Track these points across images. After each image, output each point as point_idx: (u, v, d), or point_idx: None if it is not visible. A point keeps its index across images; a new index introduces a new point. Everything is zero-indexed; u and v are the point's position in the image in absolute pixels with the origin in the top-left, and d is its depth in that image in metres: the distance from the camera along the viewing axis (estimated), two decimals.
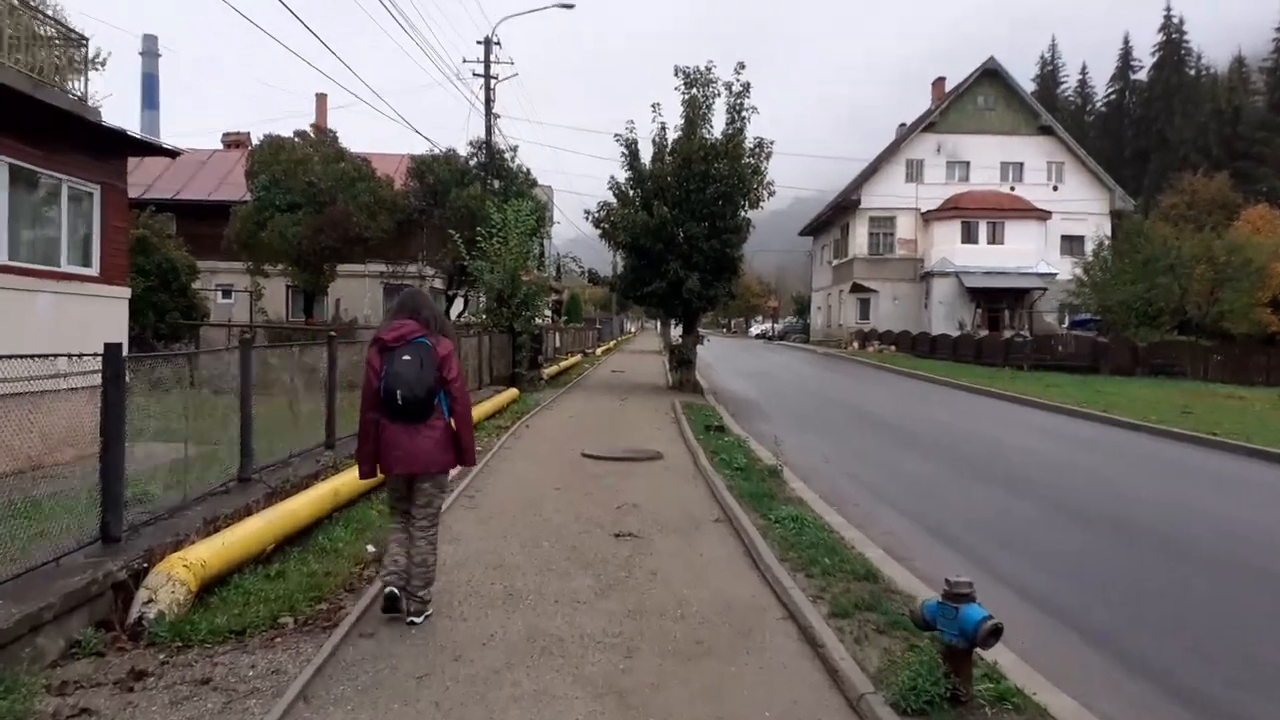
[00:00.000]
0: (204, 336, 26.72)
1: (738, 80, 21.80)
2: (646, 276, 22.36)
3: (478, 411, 14.09)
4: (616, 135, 22.62)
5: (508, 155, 28.05)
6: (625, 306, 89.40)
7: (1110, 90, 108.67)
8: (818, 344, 59.69)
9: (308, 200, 25.50)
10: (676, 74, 22.22)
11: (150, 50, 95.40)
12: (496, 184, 26.49)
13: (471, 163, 27.64)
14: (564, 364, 29.51)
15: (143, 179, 33.46)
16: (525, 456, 11.51)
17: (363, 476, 5.52)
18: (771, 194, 22.66)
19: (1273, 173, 74.89)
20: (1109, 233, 53.37)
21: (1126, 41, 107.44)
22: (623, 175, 22.92)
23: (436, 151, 27.57)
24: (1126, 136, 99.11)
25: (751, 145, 21.89)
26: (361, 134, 35.20)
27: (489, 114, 26.28)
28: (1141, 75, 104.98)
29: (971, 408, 21.93)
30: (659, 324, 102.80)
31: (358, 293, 31.98)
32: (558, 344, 33.13)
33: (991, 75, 53.74)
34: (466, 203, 25.15)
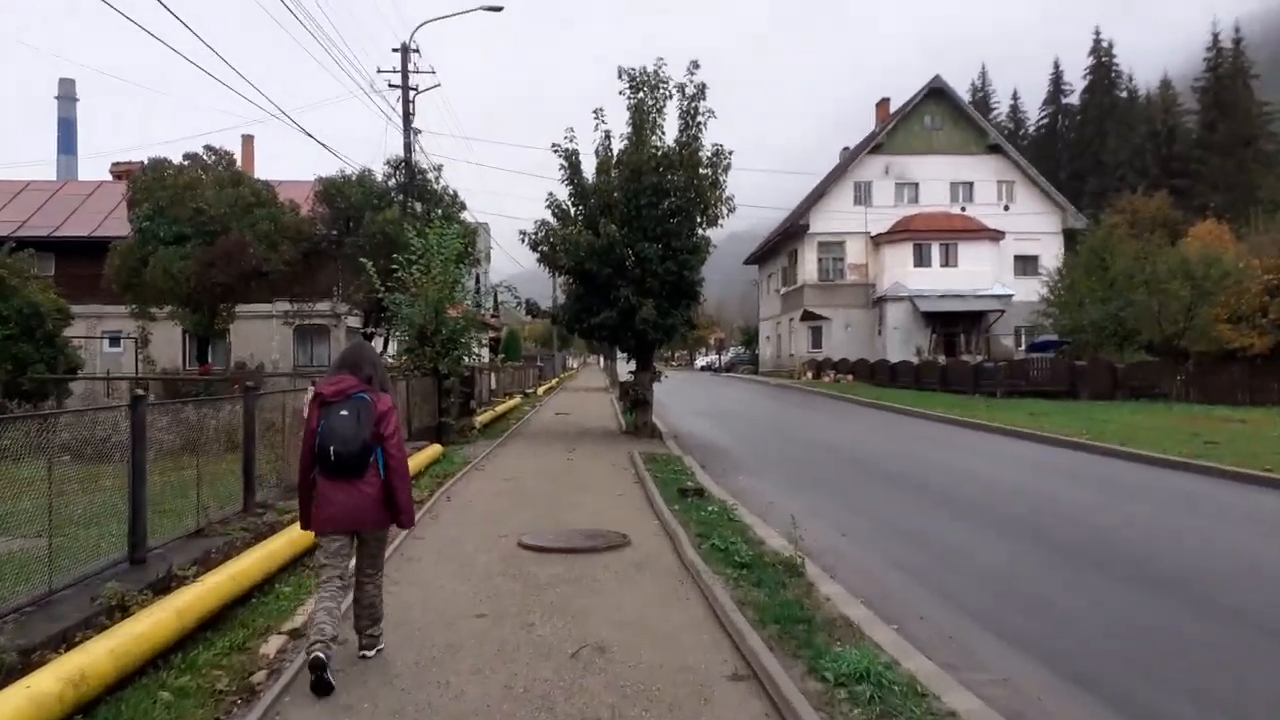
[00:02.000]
0: (80, 393, 23.03)
1: (691, 81, 19.11)
2: (593, 305, 19.37)
3: None
4: (554, 145, 19.71)
5: (431, 175, 24.93)
6: (568, 341, 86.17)
7: (1043, 114, 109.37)
8: (768, 375, 57.27)
9: (197, 231, 22.10)
10: (621, 76, 19.44)
11: (68, 94, 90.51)
12: (418, 207, 23.36)
13: (390, 183, 24.47)
14: (501, 408, 26.28)
15: (15, 215, 29.70)
16: (439, 551, 8.34)
17: (304, 529, 5.48)
18: (731, 210, 19.93)
19: (1209, 189, 75.02)
20: (1060, 252, 52.19)
21: (1057, 66, 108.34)
22: (563, 192, 20.02)
23: (349, 172, 24.33)
24: (1062, 159, 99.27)
25: (709, 154, 19.14)
26: (283, 165, 31.84)
27: (408, 128, 23.18)
28: (1073, 99, 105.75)
29: (966, 444, 19.29)
30: (601, 359, 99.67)
31: (263, 335, 28.46)
32: (494, 385, 29.88)
33: (938, 94, 52.28)
34: (383, 228, 21.95)
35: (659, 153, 19.09)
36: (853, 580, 7.41)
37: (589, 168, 19.86)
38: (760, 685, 4.86)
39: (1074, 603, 7.05)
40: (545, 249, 19.45)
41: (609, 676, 5.03)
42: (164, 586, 5.96)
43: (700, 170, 18.97)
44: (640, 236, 18.97)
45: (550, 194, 20.05)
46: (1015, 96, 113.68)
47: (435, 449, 15.25)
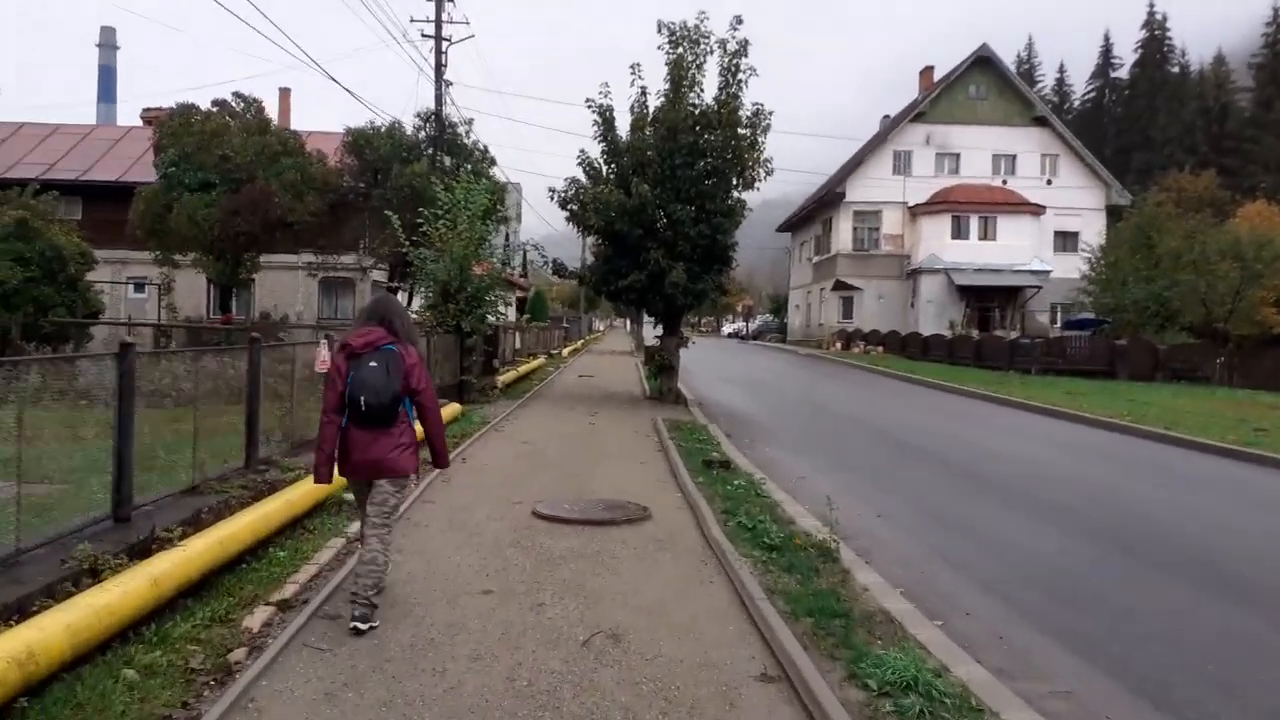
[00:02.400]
0: (102, 337, 22.83)
1: (733, 37, 18.30)
2: (622, 267, 18.78)
3: None
4: (588, 101, 19.02)
5: (462, 129, 24.31)
6: (595, 304, 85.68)
7: (1090, 88, 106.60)
8: (796, 344, 56.46)
9: (222, 178, 21.70)
10: (660, 30, 18.65)
11: (108, 43, 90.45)
12: (448, 161, 22.78)
13: (420, 136, 23.89)
14: (524, 368, 25.84)
15: (44, 158, 29.46)
16: (449, 517, 7.89)
17: (318, 481, 5.43)
18: (769, 173, 19.17)
19: (1261, 170, 72.79)
20: (1103, 229, 50.87)
21: (1107, 39, 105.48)
22: (596, 149, 19.35)
23: (379, 124, 23.76)
24: (1108, 134, 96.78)
25: (749, 114, 18.38)
26: (314, 116, 31.32)
27: (439, 80, 22.55)
28: (1122, 73, 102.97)
29: (1002, 421, 18.63)
30: (628, 322, 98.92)
31: (288, 287, 28.15)
32: (518, 345, 29.43)
33: (984, 63, 50.76)
34: (410, 181, 21.40)
35: (697, 111, 18.37)
36: (891, 568, 6.87)
37: (624, 125, 19.19)
38: (793, 690, 4.35)
39: (1135, 602, 6.48)
40: (575, 207, 18.83)
41: (623, 670, 4.53)
42: (144, 549, 5.52)
43: (739, 130, 18.23)
44: (673, 197, 18.31)
45: (582, 151, 19.43)
46: (1061, 69, 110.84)
47: (454, 408, 14.80)
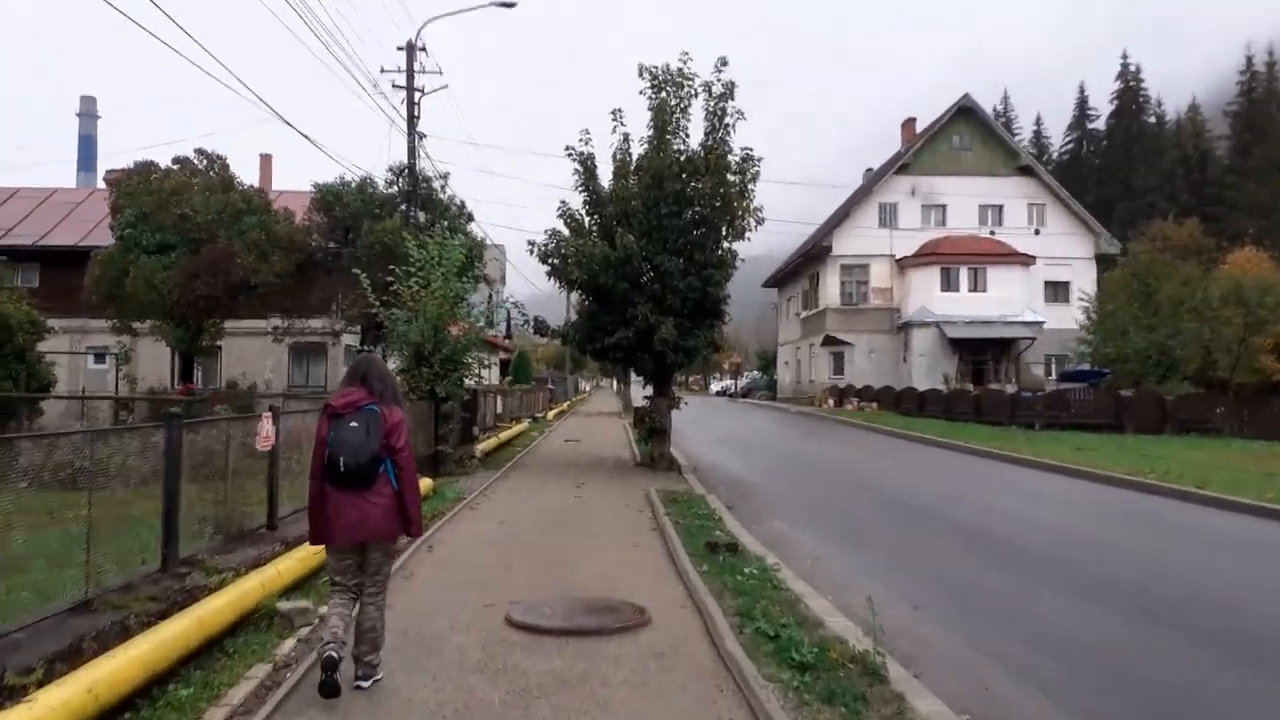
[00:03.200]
0: (59, 412, 21.39)
1: (719, 80, 17.37)
2: (608, 324, 17.57)
3: None
4: (568, 149, 17.98)
5: (437, 183, 23.24)
6: (581, 364, 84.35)
7: (1068, 140, 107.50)
8: (786, 402, 55.28)
9: (182, 239, 20.48)
10: (642, 74, 17.69)
11: (88, 112, 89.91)
12: (422, 217, 21.66)
13: (392, 191, 22.80)
14: (506, 434, 24.44)
15: (1, 221, 28.17)
16: (403, 627, 6.48)
17: (313, 543, 5.47)
18: (760, 222, 18.12)
19: (1245, 215, 72.90)
20: (1094, 279, 50.25)
21: (1082, 90, 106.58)
22: (578, 200, 18.29)
23: (349, 179, 22.66)
24: (1088, 185, 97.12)
25: (738, 159, 17.38)
26: (284, 177, 30.32)
27: (412, 132, 21.52)
28: (1099, 124, 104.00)
29: (1017, 482, 17.39)
30: (615, 382, 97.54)
31: (257, 354, 26.78)
32: (499, 410, 28.06)
33: (966, 113, 50.53)
34: (382, 238, 20.25)
35: (682, 157, 17.37)
36: (945, 682, 5.54)
37: (606, 174, 18.18)
38: None
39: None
40: (556, 261, 17.67)
41: None
42: None
43: (728, 176, 17.22)
44: (660, 249, 17.23)
45: (562, 202, 18.34)
46: (1038, 122, 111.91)
47: (426, 484, 13.38)
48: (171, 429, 6.92)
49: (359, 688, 5.09)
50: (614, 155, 18.06)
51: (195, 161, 22.56)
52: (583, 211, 18.22)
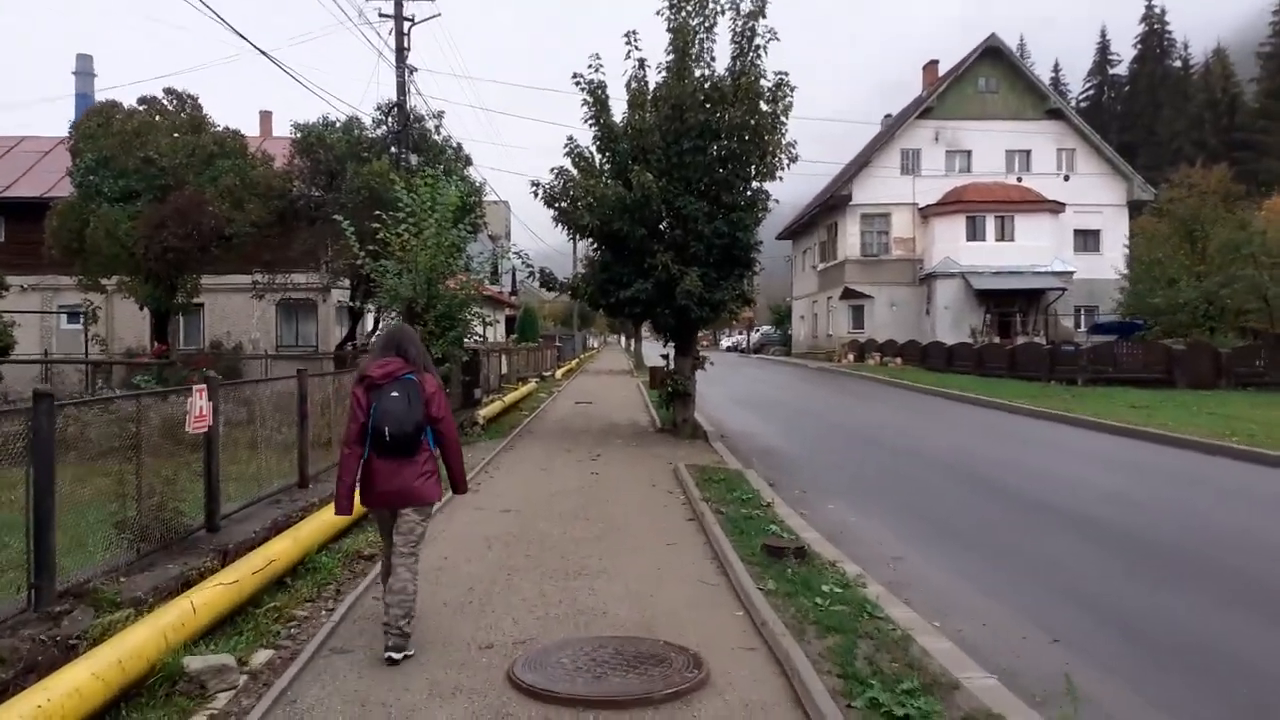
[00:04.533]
0: (9, 376, 19.53)
1: None
2: (624, 275, 15.52)
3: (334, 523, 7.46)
4: (576, 77, 15.80)
5: (430, 123, 21.06)
6: (589, 319, 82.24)
7: (1088, 85, 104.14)
8: (802, 357, 53.29)
9: (147, 185, 18.39)
10: None
11: (85, 70, 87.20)
12: (414, 159, 19.54)
13: (381, 132, 20.63)
14: (512, 396, 22.50)
15: None
16: (363, 694, 4.58)
17: (339, 513, 5.52)
18: (793, 160, 15.97)
19: (1275, 160, 70.10)
20: (1126, 226, 47.95)
21: (1104, 35, 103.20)
22: (587, 136, 16.15)
23: (333, 119, 20.47)
24: (1109, 131, 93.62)
25: (770, 85, 15.20)
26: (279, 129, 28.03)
27: (401, 64, 19.33)
28: (1120, 69, 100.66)
29: (1085, 448, 15.44)
30: (624, 338, 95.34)
31: (241, 312, 24.77)
32: (504, 370, 26.10)
33: (993, 54, 47.81)
34: (368, 182, 18.13)
35: (706, 84, 15.21)
36: None
37: (619, 109, 16.03)
38: None
39: None
40: (564, 204, 15.59)
41: None
42: None
43: (759, 106, 15.05)
44: (682, 189, 15.15)
45: (570, 138, 16.19)
46: (1056, 68, 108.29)
47: None
48: (39, 414, 4.96)
49: (390, 660, 5.00)
50: (628, 85, 15.88)
51: (165, 102, 20.40)
52: (593, 149, 16.11)
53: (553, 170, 15.72)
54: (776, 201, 16.27)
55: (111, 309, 24.39)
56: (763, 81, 15.03)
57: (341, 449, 5.30)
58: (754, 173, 15.71)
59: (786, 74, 15.14)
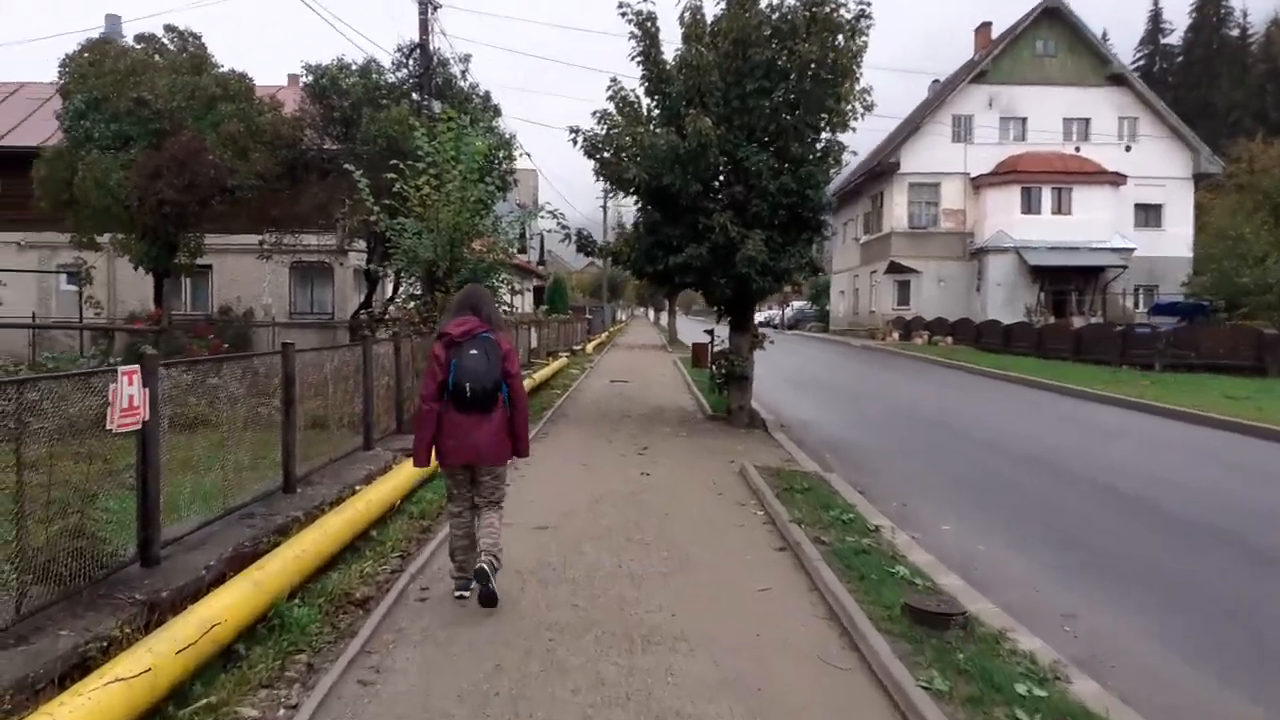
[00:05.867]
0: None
1: None
2: (673, 238, 13.42)
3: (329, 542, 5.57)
4: (622, 7, 13.66)
5: (456, 69, 18.99)
6: (619, 291, 79.91)
7: (1139, 55, 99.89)
8: (842, 334, 50.99)
9: (141, 130, 16.50)
10: None
11: (114, 31, 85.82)
12: (437, 107, 17.52)
13: (401, 75, 18.58)
14: (542, 373, 20.54)
15: None
16: None
17: (418, 464, 5.62)
18: (868, 108, 13.78)
19: None
20: (1190, 200, 45.21)
21: (1156, 3, 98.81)
22: (633, 76, 14.05)
23: (349, 61, 18.43)
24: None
25: (851, 14, 12.99)
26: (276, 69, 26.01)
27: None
28: (1172, 39, 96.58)
29: (1210, 447, 13.22)
30: (652, 311, 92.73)
31: (252, 275, 22.92)
32: (533, 344, 24.15)
33: (1052, 14, 44.88)
34: (386, 130, 16.15)
35: (775, 14, 13.03)
36: None
37: (671, 46, 13.93)
38: None
39: None
40: (608, 154, 13.50)
41: None
42: None
43: (837, 40, 12.85)
44: (744, 138, 13.04)
45: (613, 79, 14.05)
46: (1104, 37, 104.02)
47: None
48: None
49: (482, 574, 5.27)
50: (682, 16, 13.70)
51: (165, 40, 18.46)
52: (640, 92, 13.98)
53: (595, 114, 13.60)
54: (854, 153, 14.10)
55: (114, 269, 22.63)
56: (843, 10, 12.82)
57: (420, 405, 5.53)
58: (825, 121, 13.56)
59: (869, 2, 12.93)
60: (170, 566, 5.31)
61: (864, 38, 13.25)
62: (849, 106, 13.44)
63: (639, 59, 13.62)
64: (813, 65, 12.75)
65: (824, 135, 13.71)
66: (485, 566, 5.25)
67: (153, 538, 5.24)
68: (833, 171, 13.77)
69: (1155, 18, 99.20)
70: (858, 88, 13.42)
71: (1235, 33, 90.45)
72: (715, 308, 14.82)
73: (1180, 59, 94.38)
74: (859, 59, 13.21)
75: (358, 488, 7.61)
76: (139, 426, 5.13)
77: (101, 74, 16.70)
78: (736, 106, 13.04)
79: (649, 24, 13.55)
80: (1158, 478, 10.64)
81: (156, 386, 5.22)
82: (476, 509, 5.55)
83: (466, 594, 5.45)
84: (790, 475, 9.41)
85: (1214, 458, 12.50)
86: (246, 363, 6.86)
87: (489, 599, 5.29)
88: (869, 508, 8.08)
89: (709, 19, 13.56)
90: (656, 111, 13.79)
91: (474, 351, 5.29)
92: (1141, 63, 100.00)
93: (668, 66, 13.61)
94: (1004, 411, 17.62)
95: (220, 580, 5.10)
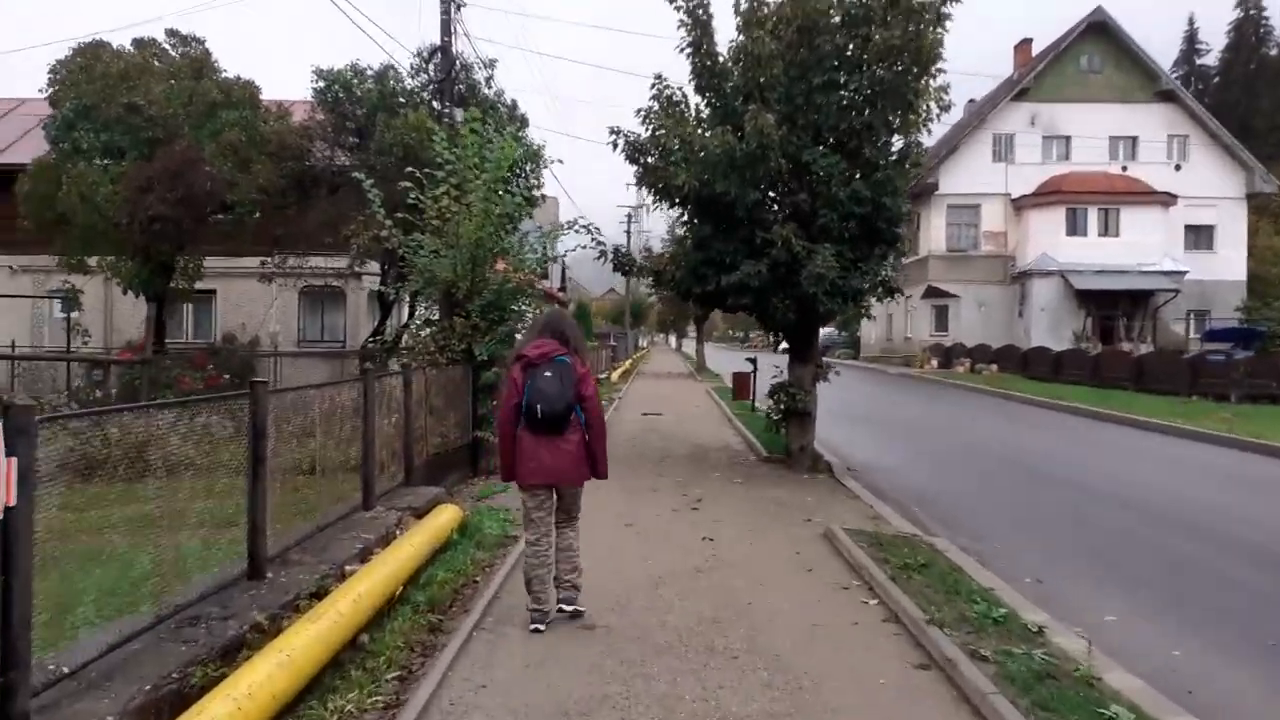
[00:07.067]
0: None
1: None
2: (726, 254, 11.64)
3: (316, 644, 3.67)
4: None
5: (480, 75, 17.41)
6: (642, 317, 78.17)
7: (1174, 75, 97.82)
8: (875, 362, 49.01)
9: (133, 140, 14.97)
10: None
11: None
12: (459, 115, 15.91)
13: (420, 81, 17.01)
14: None
15: None
16: None
17: (504, 479, 5.78)
18: (945, 108, 12.02)
19: None
20: (1245, 221, 43.19)
21: (1191, 22, 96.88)
22: (682, 73, 12.32)
23: (363, 66, 16.86)
24: None
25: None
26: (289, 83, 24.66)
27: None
28: (1209, 60, 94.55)
29: None
30: (674, 338, 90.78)
31: (258, 300, 21.30)
32: None
33: (1098, 30, 43.16)
34: (402, 138, 14.54)
35: None
36: None
37: (725, 34, 12.17)
38: None
39: None
40: (654, 158, 11.77)
41: None
42: None
43: (920, 24, 11.09)
44: (810, 139, 11.32)
45: (658, 77, 12.32)
46: None
47: (446, 516, 7.64)
48: None
49: (561, 611, 5.53)
50: (737, 4, 11.99)
51: (165, 45, 17.00)
52: (688, 89, 12.27)
53: (638, 112, 11.87)
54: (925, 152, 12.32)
55: (110, 295, 21.10)
56: None
57: (498, 428, 5.81)
58: (898, 121, 11.82)
59: None
60: (55, 716, 3.54)
61: (948, 23, 11.53)
62: (925, 105, 11.71)
63: (688, 50, 11.91)
64: (891, 54, 10.99)
65: (897, 136, 11.99)
66: (564, 604, 5.56)
67: (13, 686, 3.44)
68: (914, 175, 12.03)
69: (1191, 38, 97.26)
70: (934, 85, 11.68)
71: (1274, 52, 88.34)
72: (738, 333, 13.03)
73: (1217, 79, 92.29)
74: (938, 49, 11.48)
75: (348, 569, 5.82)
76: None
77: (92, 79, 15.20)
78: (800, 104, 11.32)
79: (700, 11, 11.86)
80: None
81: (32, 453, 3.47)
82: (557, 529, 5.65)
83: (542, 627, 5.41)
84: (892, 543, 7.54)
85: None
86: (194, 410, 5.08)
87: (578, 616, 5.61)
88: (1015, 596, 6.19)
89: (771, 3, 11.87)
90: (707, 112, 12.09)
91: (548, 374, 5.39)
92: (1178, 83, 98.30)
93: (721, 59, 11.91)
94: (1087, 449, 15.68)
95: None
